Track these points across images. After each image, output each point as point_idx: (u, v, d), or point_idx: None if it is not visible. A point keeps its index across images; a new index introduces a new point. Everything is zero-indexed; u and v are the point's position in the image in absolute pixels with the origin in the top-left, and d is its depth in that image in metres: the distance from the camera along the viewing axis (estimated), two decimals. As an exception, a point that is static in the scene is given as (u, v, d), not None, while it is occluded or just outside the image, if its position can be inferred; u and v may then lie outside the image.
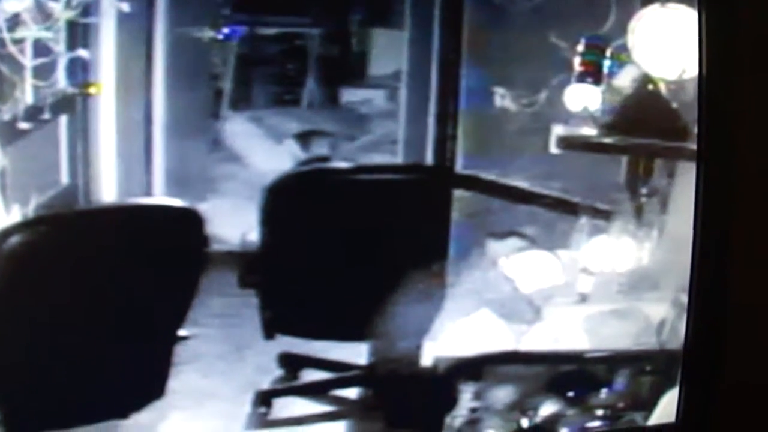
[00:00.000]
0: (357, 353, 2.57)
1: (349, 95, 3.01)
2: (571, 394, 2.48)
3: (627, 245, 2.61)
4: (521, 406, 2.47)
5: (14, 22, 2.23)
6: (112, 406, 2.22)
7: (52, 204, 2.33)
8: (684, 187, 2.42)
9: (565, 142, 2.63)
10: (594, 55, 2.58)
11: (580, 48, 2.58)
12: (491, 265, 2.64)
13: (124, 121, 2.52)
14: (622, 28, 2.53)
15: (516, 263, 2.65)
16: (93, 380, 2.18)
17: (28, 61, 2.29)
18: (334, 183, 2.67)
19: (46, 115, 2.38)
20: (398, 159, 2.90)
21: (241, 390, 2.51)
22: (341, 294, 2.55)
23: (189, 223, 2.34)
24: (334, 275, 2.54)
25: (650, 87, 2.55)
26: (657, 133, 2.54)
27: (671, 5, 2.46)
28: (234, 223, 2.53)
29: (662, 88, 2.53)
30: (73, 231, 2.25)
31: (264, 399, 2.55)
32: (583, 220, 2.62)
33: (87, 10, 2.38)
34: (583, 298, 2.62)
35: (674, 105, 2.51)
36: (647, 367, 2.49)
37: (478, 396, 2.47)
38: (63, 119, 2.47)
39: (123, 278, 2.21)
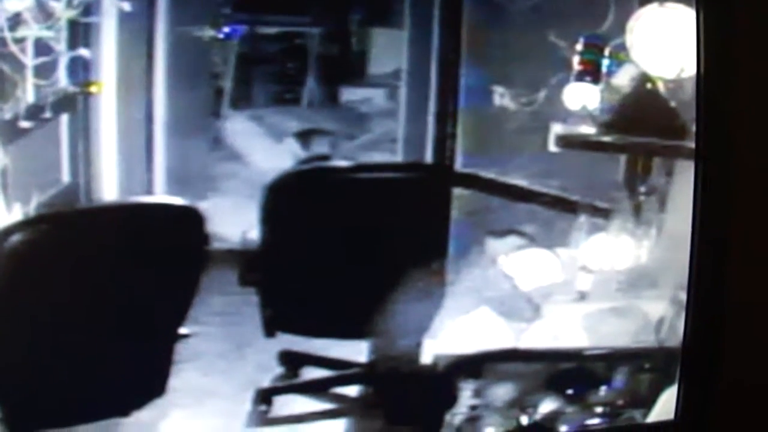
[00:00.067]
0: (357, 351, 2.57)
1: (349, 94, 3.00)
2: (570, 391, 2.48)
3: (626, 243, 2.62)
4: (521, 403, 2.48)
5: (15, 21, 2.23)
6: (113, 404, 2.23)
7: (53, 202, 2.33)
8: (682, 186, 2.43)
9: (564, 141, 2.64)
10: (593, 54, 2.58)
11: (579, 47, 2.58)
12: (491, 263, 2.65)
13: (125, 119, 2.52)
14: (620, 28, 2.53)
15: (515, 261, 2.66)
16: (94, 378, 2.18)
17: (30, 60, 2.29)
18: (334, 181, 2.67)
19: (48, 114, 2.39)
20: (398, 157, 2.90)
21: (241, 388, 2.50)
22: (341, 292, 2.55)
23: (190, 221, 2.35)
24: (335, 273, 2.54)
25: (649, 86, 2.55)
26: (655, 131, 2.54)
27: (669, 4, 2.47)
28: (234, 221, 2.53)
29: (661, 86, 2.54)
30: (74, 229, 2.26)
31: (264, 397, 2.55)
32: (582, 219, 2.63)
33: (88, 10, 2.38)
34: (582, 296, 2.62)
35: (672, 104, 2.51)
36: (646, 365, 2.50)
37: (477, 393, 2.47)
38: (64, 118, 2.47)
39: (124, 276, 2.22)
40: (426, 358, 2.51)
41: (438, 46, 2.77)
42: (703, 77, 2.21)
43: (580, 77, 2.58)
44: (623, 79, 2.58)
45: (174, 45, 2.60)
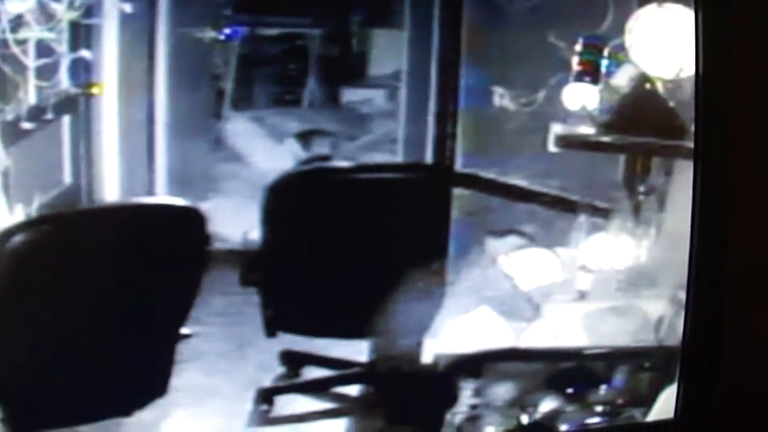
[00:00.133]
0: (358, 351, 2.58)
1: (350, 95, 3.01)
2: (570, 390, 2.49)
3: (625, 243, 2.62)
4: (521, 402, 2.48)
5: (17, 23, 2.23)
6: (115, 404, 2.23)
7: (55, 203, 2.33)
8: (681, 185, 2.43)
9: (564, 141, 2.64)
10: (592, 55, 2.58)
11: (578, 47, 2.58)
12: (491, 263, 2.65)
13: (127, 121, 2.52)
14: (619, 28, 2.54)
15: (515, 261, 2.66)
16: (96, 378, 2.18)
17: (31, 61, 2.30)
18: (335, 182, 2.67)
19: (49, 116, 2.39)
20: (398, 158, 2.90)
21: (242, 387, 2.51)
22: (342, 292, 2.56)
23: (191, 222, 2.35)
24: (335, 273, 2.54)
25: (648, 86, 2.56)
26: (654, 131, 2.55)
27: (668, 5, 2.47)
28: (236, 221, 2.54)
29: (659, 87, 2.54)
30: (75, 230, 2.26)
31: (266, 396, 2.55)
32: (582, 218, 2.63)
33: (89, 11, 2.38)
34: (582, 296, 2.63)
35: (671, 104, 2.52)
36: (646, 364, 2.50)
37: (478, 393, 2.48)
38: (66, 119, 2.48)
39: (125, 277, 2.22)
40: (426, 357, 2.52)
41: (438, 46, 2.77)
42: (701, 77, 2.21)
43: (579, 77, 2.59)
44: (622, 79, 2.59)
45: (175, 46, 2.60)
